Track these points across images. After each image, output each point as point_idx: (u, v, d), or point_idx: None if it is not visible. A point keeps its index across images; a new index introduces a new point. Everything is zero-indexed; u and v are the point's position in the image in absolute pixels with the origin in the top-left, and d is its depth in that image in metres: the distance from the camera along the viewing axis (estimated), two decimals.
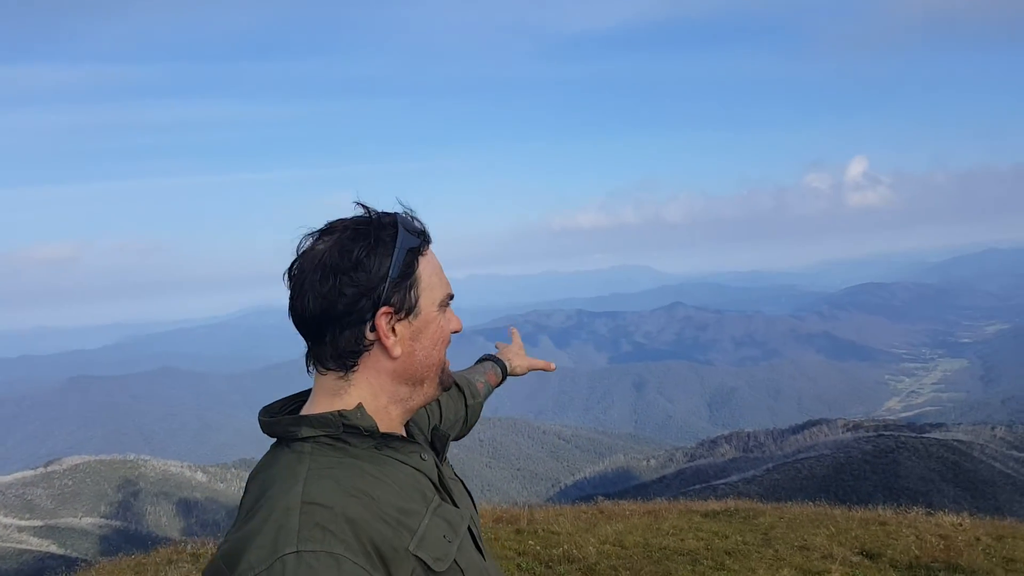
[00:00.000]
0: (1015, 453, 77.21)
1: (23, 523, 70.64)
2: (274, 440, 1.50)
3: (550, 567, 6.55)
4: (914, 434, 75.27)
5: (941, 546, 6.80)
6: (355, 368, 1.49)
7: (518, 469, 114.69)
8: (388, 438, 1.49)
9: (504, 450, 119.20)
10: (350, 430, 1.45)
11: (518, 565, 6.55)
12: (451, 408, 2.01)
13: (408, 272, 1.49)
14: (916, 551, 6.81)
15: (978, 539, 7.34)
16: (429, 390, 1.57)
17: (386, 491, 1.42)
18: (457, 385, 2.07)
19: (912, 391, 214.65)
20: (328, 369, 1.49)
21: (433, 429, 1.71)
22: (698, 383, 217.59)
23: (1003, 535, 7.72)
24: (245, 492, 1.46)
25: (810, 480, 57.61)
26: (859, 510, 9.42)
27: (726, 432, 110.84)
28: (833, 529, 7.95)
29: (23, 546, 59.56)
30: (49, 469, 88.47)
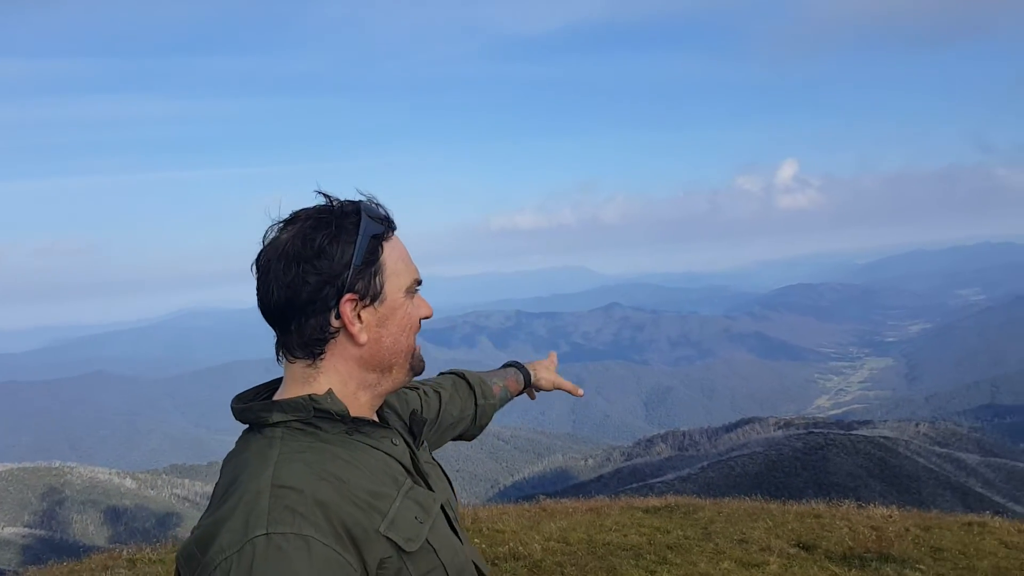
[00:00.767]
0: (937, 449, 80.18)
1: None
2: (246, 427, 1.51)
3: (496, 564, 6.55)
4: (843, 431, 77.49)
5: (873, 537, 7.02)
6: (322, 356, 1.49)
7: (457, 471, 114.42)
8: (359, 423, 1.50)
9: (442, 452, 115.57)
10: (321, 414, 1.46)
11: None
12: (456, 404, 2.01)
13: (372, 259, 1.49)
14: (850, 542, 7.01)
15: (907, 530, 7.59)
16: (399, 376, 1.57)
17: (356, 475, 1.43)
18: (469, 384, 2.08)
19: (840, 389, 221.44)
20: (296, 358, 1.50)
21: (412, 413, 1.71)
22: (635, 383, 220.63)
23: (930, 526, 8.00)
24: (219, 478, 1.47)
25: (744, 477, 58.81)
26: (794, 504, 9.63)
27: (662, 431, 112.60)
28: (770, 523, 8.12)
29: None
30: None
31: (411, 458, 1.58)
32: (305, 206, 1.53)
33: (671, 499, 10.13)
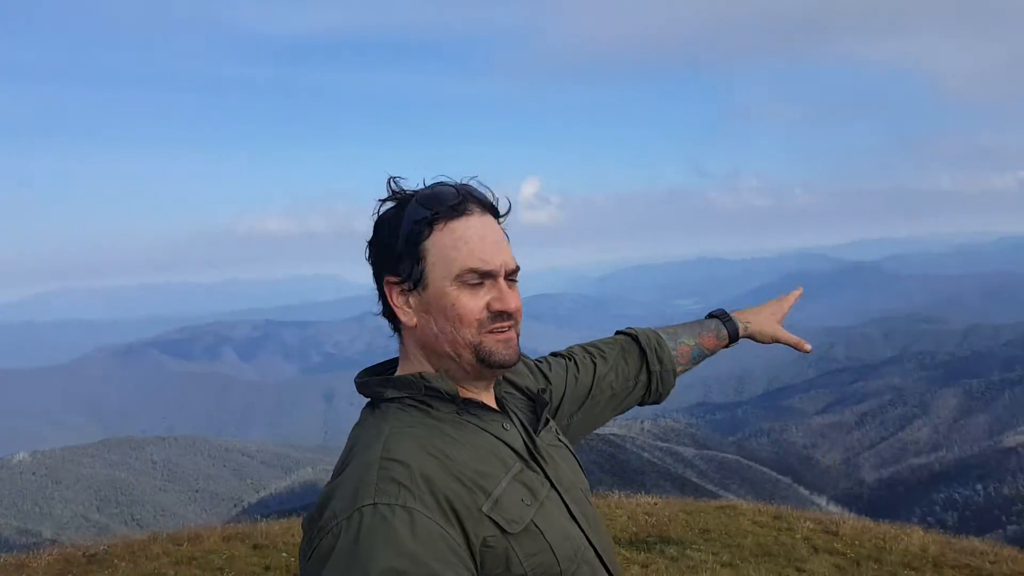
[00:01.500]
0: (659, 443, 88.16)
1: None
2: (367, 400, 1.55)
3: None
4: None
5: (652, 522, 7.68)
6: (399, 332, 1.56)
7: (196, 491, 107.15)
8: (469, 404, 1.51)
9: (180, 471, 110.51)
10: (431, 393, 1.49)
11: None
12: (619, 373, 1.91)
13: (413, 244, 1.48)
14: (634, 528, 7.63)
15: (676, 515, 8.39)
16: (467, 367, 1.52)
17: (464, 453, 1.44)
18: (641, 348, 1.94)
19: None
20: (394, 333, 1.58)
21: (538, 395, 1.67)
22: None
23: (691, 511, 8.90)
24: (344, 448, 1.52)
25: None
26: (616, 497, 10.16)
27: None
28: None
29: None
30: None
31: (525, 442, 1.55)
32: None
33: None
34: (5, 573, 6.82)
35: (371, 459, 1.40)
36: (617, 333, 2.01)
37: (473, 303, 1.49)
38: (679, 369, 2.01)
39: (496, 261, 1.50)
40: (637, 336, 1.96)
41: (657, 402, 1.99)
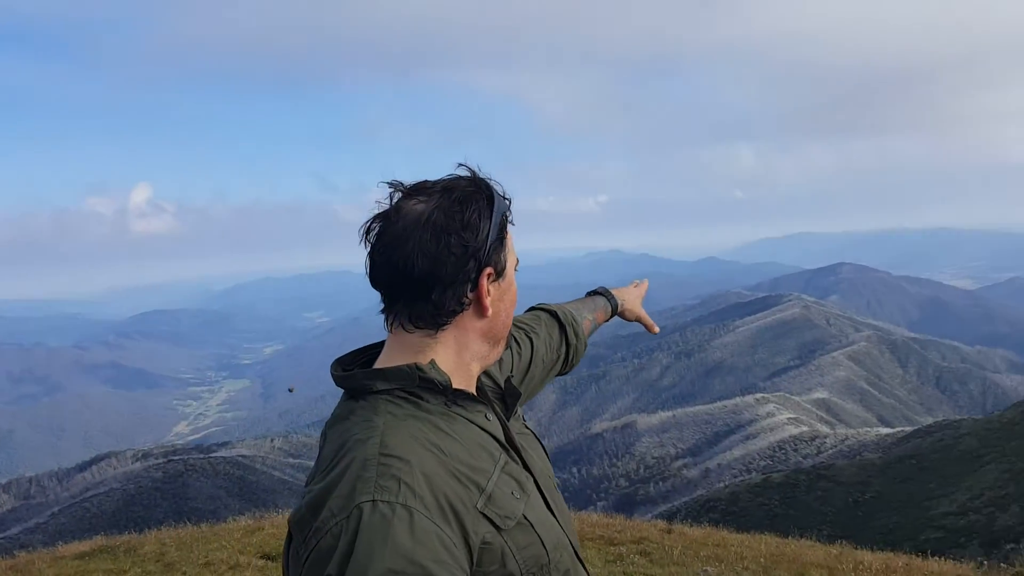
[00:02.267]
0: (291, 460, 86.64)
1: None
2: (344, 392, 1.53)
3: None
4: (202, 455, 78.06)
5: None
6: (445, 327, 1.51)
7: None
8: (458, 395, 1.51)
9: None
10: (425, 384, 1.47)
11: None
12: (549, 348, 2.01)
13: (502, 236, 1.54)
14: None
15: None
16: (500, 349, 1.61)
17: (456, 447, 1.44)
18: (560, 323, 2.06)
19: (200, 414, 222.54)
20: (418, 327, 1.50)
21: (507, 381, 1.71)
22: None
23: None
24: (322, 444, 1.47)
25: (100, 518, 54.86)
26: (235, 522, 9.92)
27: (3, 480, 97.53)
28: (227, 541, 8.18)
29: None
30: None
31: (504, 431, 1.57)
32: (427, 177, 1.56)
33: (100, 540, 9.29)
34: None
35: (368, 455, 1.37)
36: (529, 310, 2.09)
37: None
38: (586, 341, 2.15)
39: None
40: (555, 312, 2.08)
41: (567, 373, 2.12)
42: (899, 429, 73.72)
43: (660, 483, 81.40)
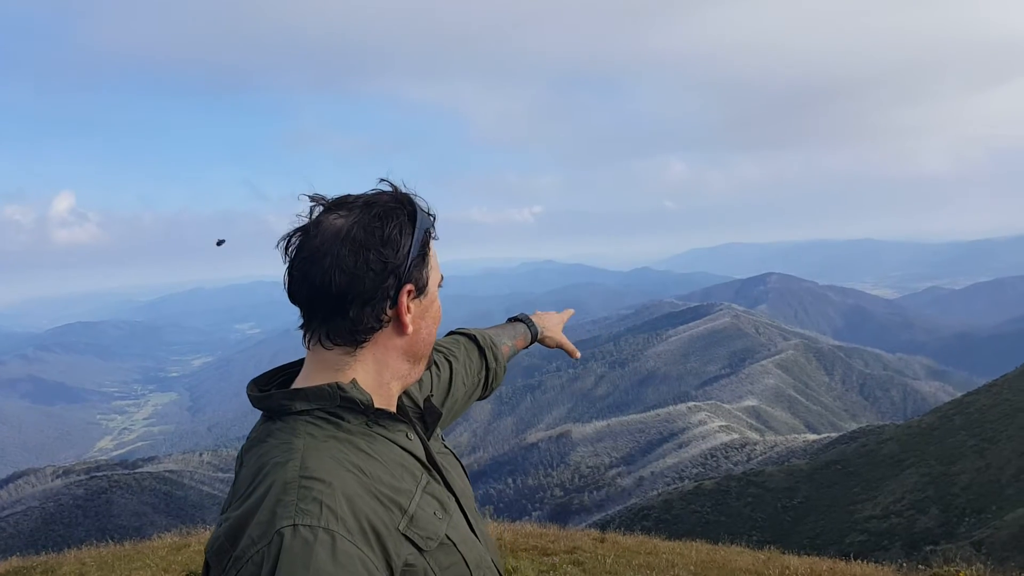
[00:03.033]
0: (220, 474, 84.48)
1: None
2: (262, 413, 1.49)
3: None
4: (127, 471, 75.80)
5: None
6: (365, 344, 1.48)
7: None
8: (379, 414, 1.49)
9: None
10: (346, 404, 1.45)
11: None
12: (469, 371, 2.00)
13: (424, 252, 1.51)
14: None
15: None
16: (421, 368, 1.59)
17: (378, 468, 1.42)
18: (479, 347, 2.05)
19: (125, 428, 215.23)
20: (336, 344, 1.47)
21: (426, 401, 1.69)
22: None
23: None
24: (239, 468, 1.44)
25: (16, 538, 52.75)
26: (156, 540, 9.65)
27: None
28: (150, 560, 8.01)
29: None
30: None
31: (425, 450, 1.56)
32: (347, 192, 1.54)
33: (16, 562, 8.94)
34: None
35: (289, 478, 1.34)
36: (448, 334, 2.08)
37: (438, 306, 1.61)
38: (505, 365, 2.14)
39: None
40: (475, 336, 2.07)
41: (486, 397, 2.11)
42: (825, 435, 75.95)
43: (594, 492, 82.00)
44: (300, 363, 1.54)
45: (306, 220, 1.48)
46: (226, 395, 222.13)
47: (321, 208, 1.49)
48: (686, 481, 64.20)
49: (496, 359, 2.07)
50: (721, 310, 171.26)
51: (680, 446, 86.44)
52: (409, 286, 1.48)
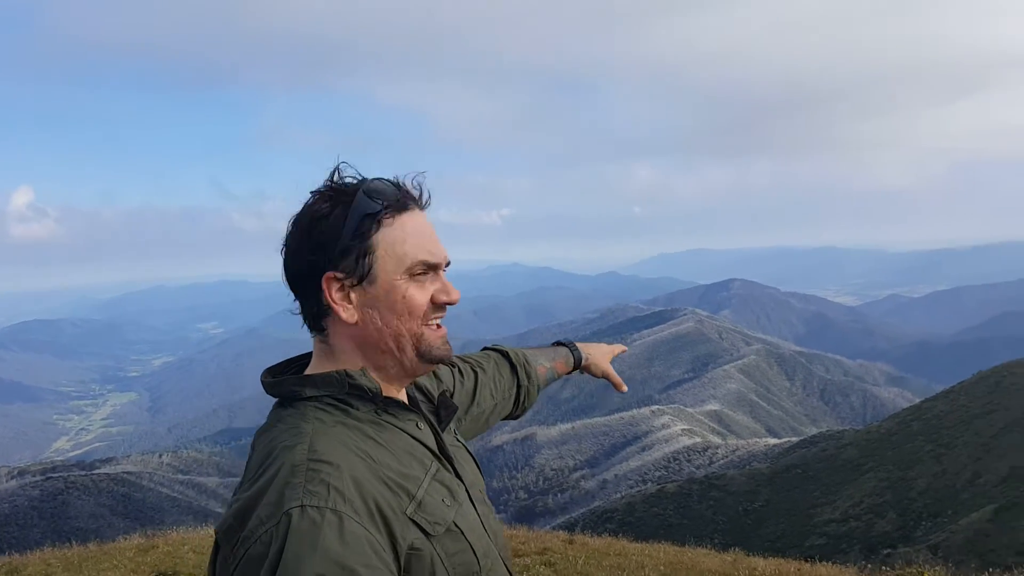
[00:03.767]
0: (180, 476, 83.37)
1: None
2: (276, 400, 1.51)
3: None
4: (84, 472, 74.46)
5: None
6: (326, 332, 1.49)
7: None
8: (388, 403, 1.50)
9: None
10: (355, 391, 1.46)
11: None
12: (496, 386, 1.97)
13: (362, 238, 1.45)
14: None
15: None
16: (406, 361, 1.52)
17: (385, 455, 1.43)
18: (512, 364, 2.03)
19: (82, 429, 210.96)
20: (312, 330, 1.51)
21: (441, 395, 1.70)
22: None
23: None
24: (251, 454, 1.45)
25: None
26: (125, 540, 9.60)
27: None
28: (118, 560, 8.00)
29: None
30: None
31: (436, 441, 1.56)
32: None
33: None
34: None
35: (297, 460, 1.35)
36: (483, 350, 2.06)
37: (421, 296, 1.50)
38: (541, 386, 2.10)
39: (441, 254, 1.52)
40: (507, 352, 2.05)
41: (518, 416, 2.08)
42: (786, 440, 76.96)
43: (559, 495, 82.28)
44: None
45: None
46: (187, 395, 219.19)
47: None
48: (649, 484, 64.74)
49: (528, 377, 2.04)
50: (685, 315, 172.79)
51: (643, 449, 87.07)
52: (335, 273, 1.45)
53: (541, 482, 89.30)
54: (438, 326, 1.54)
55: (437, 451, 1.54)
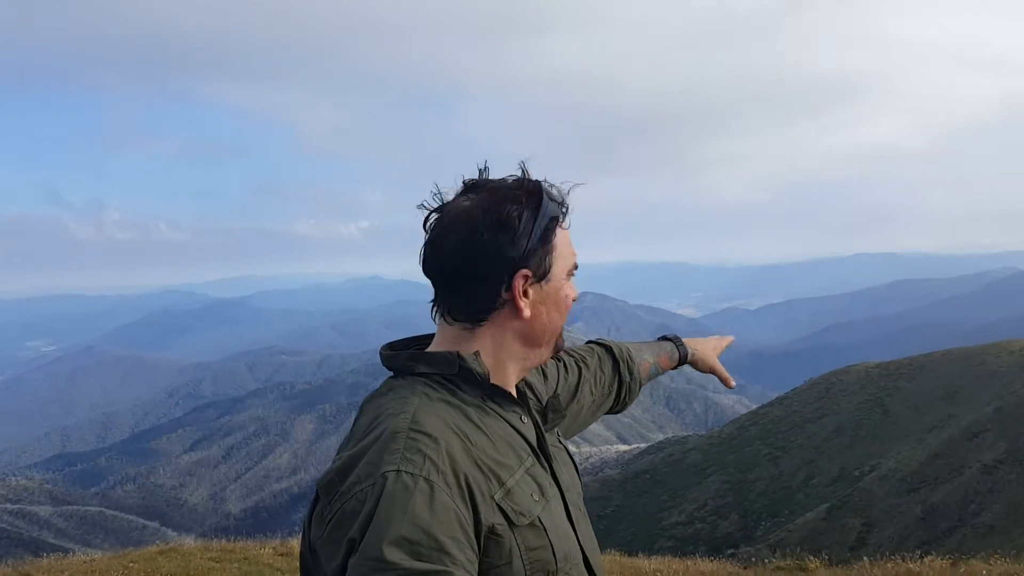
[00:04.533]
0: (8, 506, 77.00)
1: None
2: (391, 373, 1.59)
3: None
4: None
5: None
6: (483, 323, 1.54)
7: None
8: (495, 391, 1.55)
9: None
10: (464, 374, 1.52)
11: None
12: (597, 382, 1.98)
13: (547, 239, 1.54)
14: None
15: (130, 568, 8.17)
16: (544, 353, 1.63)
17: (483, 440, 1.48)
18: (615, 359, 2.04)
19: None
20: (456, 320, 1.55)
21: (551, 398, 1.75)
22: None
23: (136, 560, 8.58)
24: (359, 415, 1.53)
25: None
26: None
27: None
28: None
29: None
30: None
31: (537, 437, 1.61)
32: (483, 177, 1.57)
33: None
34: None
35: (399, 427, 1.41)
36: (587, 343, 2.07)
37: (570, 293, 1.62)
38: (644, 382, 2.11)
39: None
40: (611, 348, 2.05)
41: (620, 411, 2.09)
42: (635, 446, 79.93)
43: None
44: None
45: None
46: (15, 418, 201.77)
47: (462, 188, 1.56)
48: None
49: (631, 373, 2.05)
50: None
51: None
52: (525, 271, 1.52)
53: None
54: None
55: (536, 447, 1.58)
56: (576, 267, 1.63)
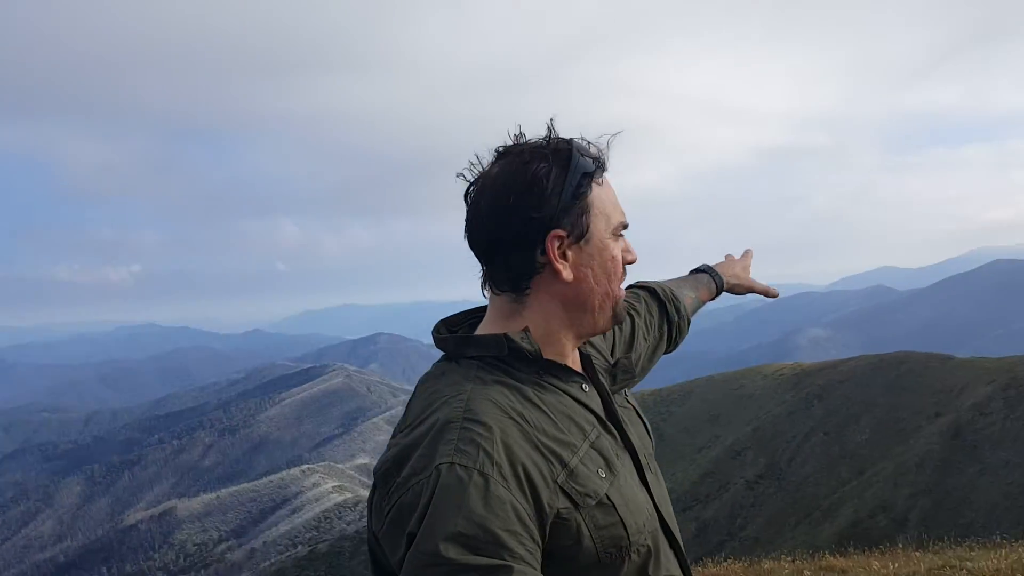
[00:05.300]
0: None
1: None
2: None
3: None
4: None
5: None
6: (528, 291, 1.47)
7: None
8: (550, 366, 1.48)
9: None
10: (515, 354, 1.46)
11: None
12: (650, 326, 1.92)
13: (580, 196, 1.45)
14: None
15: None
16: (601, 321, 1.53)
17: (543, 419, 1.42)
18: (660, 299, 1.97)
19: None
20: (502, 291, 1.48)
21: (622, 358, 1.68)
22: None
23: None
24: (412, 398, 1.48)
25: None
26: None
27: None
28: None
29: None
30: None
31: (604, 405, 1.55)
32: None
33: None
34: None
35: (452, 416, 1.36)
36: (628, 288, 1.98)
37: (621, 255, 1.53)
38: (689, 317, 2.06)
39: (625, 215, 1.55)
40: (654, 289, 1.99)
41: (672, 351, 2.03)
42: None
43: (202, 571, 77.11)
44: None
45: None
46: None
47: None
48: (300, 547, 63.60)
49: (678, 311, 2.00)
50: (335, 371, 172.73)
51: (293, 511, 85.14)
52: (559, 231, 1.44)
53: (182, 559, 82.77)
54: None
55: (603, 415, 1.53)
56: (625, 225, 1.53)
